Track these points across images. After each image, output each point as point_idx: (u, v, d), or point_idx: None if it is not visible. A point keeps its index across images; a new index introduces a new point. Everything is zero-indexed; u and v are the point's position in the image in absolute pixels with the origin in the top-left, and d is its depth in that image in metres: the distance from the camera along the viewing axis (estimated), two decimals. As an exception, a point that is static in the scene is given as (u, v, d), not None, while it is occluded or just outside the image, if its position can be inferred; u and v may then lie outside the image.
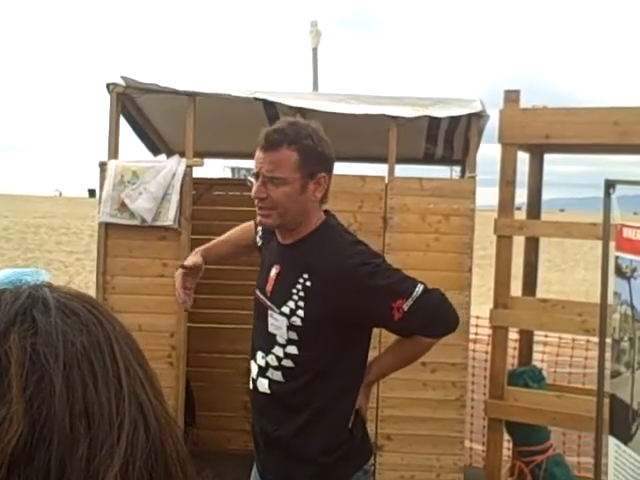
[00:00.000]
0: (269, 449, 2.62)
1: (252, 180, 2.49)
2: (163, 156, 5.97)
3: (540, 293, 5.56)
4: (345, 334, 2.47)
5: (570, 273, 23.17)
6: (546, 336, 5.86)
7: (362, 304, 2.43)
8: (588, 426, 4.43)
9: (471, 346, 5.22)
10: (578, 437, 5.51)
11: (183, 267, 2.83)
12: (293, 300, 2.44)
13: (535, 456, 4.92)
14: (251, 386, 2.62)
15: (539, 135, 4.58)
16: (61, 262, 20.16)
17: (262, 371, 2.55)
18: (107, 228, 4.84)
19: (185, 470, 0.61)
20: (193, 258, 2.88)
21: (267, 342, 2.52)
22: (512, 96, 4.63)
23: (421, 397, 4.73)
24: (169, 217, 4.72)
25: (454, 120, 5.06)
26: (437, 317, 2.52)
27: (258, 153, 2.45)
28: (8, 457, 0.52)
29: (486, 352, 5.17)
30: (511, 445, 5.20)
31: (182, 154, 4.91)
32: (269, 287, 2.54)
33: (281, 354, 2.49)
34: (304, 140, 2.40)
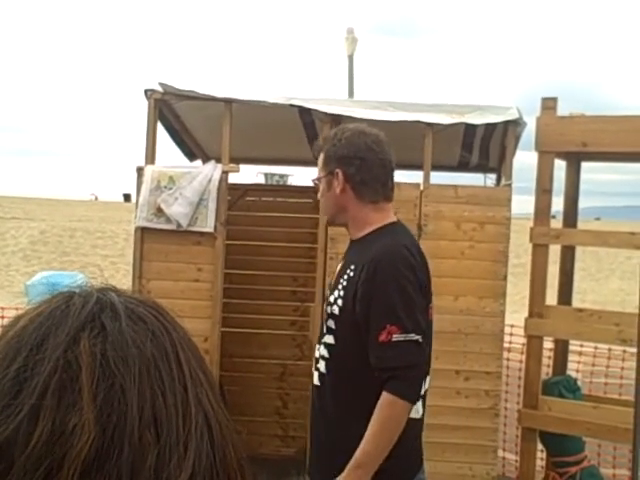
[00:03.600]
0: (313, 445, 2.65)
1: None
2: (199, 162, 6.02)
3: (574, 302, 5.49)
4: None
5: (605, 283, 22.87)
6: (581, 346, 5.79)
7: (367, 297, 2.36)
8: (624, 437, 4.37)
9: (505, 355, 5.17)
10: (614, 448, 5.42)
11: None
12: (338, 290, 2.50)
13: (569, 467, 4.86)
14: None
15: (576, 143, 4.54)
16: (96, 265, 20.38)
17: (316, 362, 2.58)
18: (143, 233, 4.89)
19: (244, 477, 0.60)
20: None
21: (322, 332, 2.57)
22: (549, 103, 4.59)
23: (454, 405, 4.70)
24: (208, 223, 4.76)
25: (490, 127, 5.04)
26: (410, 374, 2.38)
27: None
28: (80, 465, 0.51)
29: (520, 361, 5.12)
30: (545, 455, 5.15)
31: (218, 160, 4.94)
32: (332, 279, 2.64)
33: (324, 343, 2.53)
34: (328, 144, 2.61)
